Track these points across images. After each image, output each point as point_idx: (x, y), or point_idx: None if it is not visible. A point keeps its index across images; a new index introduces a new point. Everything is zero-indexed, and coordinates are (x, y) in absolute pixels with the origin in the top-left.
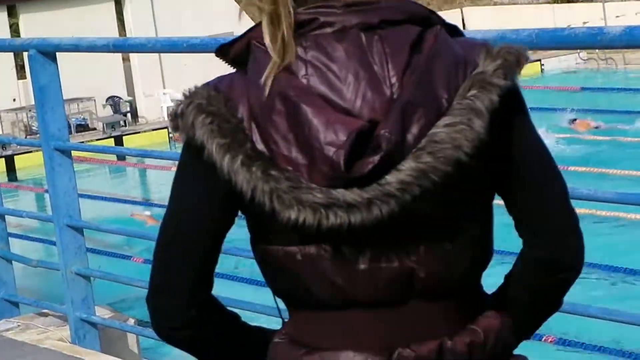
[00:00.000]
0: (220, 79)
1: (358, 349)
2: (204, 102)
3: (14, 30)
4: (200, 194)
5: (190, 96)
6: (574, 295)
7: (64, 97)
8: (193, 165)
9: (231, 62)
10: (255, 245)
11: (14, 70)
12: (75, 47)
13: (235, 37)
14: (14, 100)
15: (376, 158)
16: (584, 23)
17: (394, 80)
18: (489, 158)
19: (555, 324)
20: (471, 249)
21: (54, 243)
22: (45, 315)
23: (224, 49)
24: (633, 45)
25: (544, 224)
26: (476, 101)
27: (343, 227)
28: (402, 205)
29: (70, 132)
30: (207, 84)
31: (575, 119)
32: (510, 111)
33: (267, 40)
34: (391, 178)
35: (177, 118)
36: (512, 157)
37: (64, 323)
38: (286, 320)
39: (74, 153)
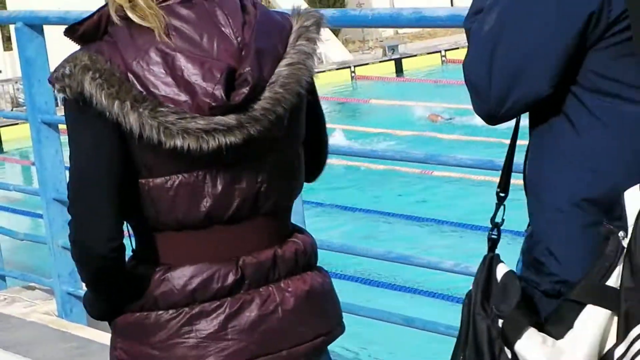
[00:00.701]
0: (89, 47)
1: (213, 260)
2: (88, 62)
3: (0, 2)
4: (96, 139)
5: (73, 60)
6: None
7: (51, 70)
8: (85, 117)
9: (78, 38)
10: (125, 183)
11: (0, 41)
12: (63, 20)
13: (84, 18)
14: (0, 72)
15: (247, 89)
16: None
17: (237, 34)
18: (309, 93)
19: None
20: (296, 176)
21: (41, 216)
22: (32, 288)
23: (74, 28)
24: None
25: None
26: (305, 47)
27: (221, 148)
28: (263, 127)
29: (57, 105)
30: (83, 50)
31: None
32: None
33: (145, 11)
34: (256, 105)
35: (63, 79)
36: (314, 97)
37: (50, 297)
38: (134, 247)
39: (60, 126)
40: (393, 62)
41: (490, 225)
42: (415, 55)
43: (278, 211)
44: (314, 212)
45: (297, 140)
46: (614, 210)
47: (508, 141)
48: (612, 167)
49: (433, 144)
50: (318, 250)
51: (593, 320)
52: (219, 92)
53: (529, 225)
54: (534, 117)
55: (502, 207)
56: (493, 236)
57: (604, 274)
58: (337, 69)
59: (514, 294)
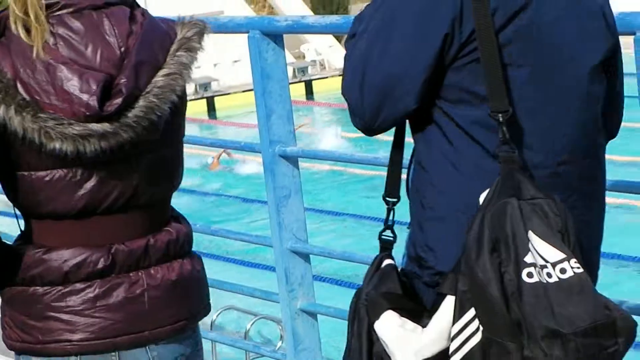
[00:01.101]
0: None
1: (86, 246)
2: None
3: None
4: None
5: None
6: None
7: None
8: None
9: None
10: (6, 174)
11: None
12: None
13: None
14: None
15: (119, 100)
16: None
17: (121, 44)
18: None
19: None
20: (173, 174)
21: None
22: None
23: None
24: (624, 32)
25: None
26: (183, 58)
27: (97, 152)
28: (136, 133)
29: None
30: None
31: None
32: None
33: (32, 19)
34: (129, 114)
35: None
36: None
37: None
38: (22, 229)
39: None
40: None
41: None
42: None
43: (154, 204)
44: (317, 219)
45: (174, 141)
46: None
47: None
48: (481, 172)
49: None
50: (322, 257)
51: (447, 308)
52: (94, 102)
53: (410, 222)
54: (413, 127)
55: (392, 211)
56: (384, 237)
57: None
58: (339, 75)
59: (387, 283)
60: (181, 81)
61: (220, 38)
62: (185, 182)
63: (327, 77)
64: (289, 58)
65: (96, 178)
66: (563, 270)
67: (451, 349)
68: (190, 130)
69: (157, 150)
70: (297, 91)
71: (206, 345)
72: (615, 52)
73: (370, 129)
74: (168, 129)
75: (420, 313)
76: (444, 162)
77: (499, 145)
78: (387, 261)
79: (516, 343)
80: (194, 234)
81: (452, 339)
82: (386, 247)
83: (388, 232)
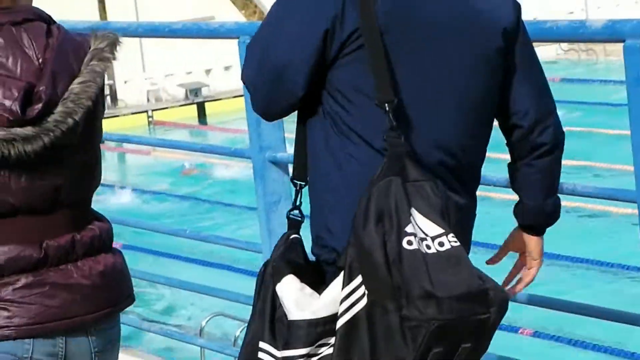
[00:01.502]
0: None
1: (20, 243)
2: None
3: None
4: None
5: None
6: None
7: None
8: None
9: None
10: None
11: None
12: None
13: None
14: None
15: (40, 105)
16: (570, 13)
17: (39, 55)
18: (99, 107)
19: (532, 319)
20: (94, 174)
21: None
22: None
23: None
24: (613, 39)
25: None
26: (96, 67)
27: (21, 155)
28: (56, 137)
29: None
30: None
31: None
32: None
33: None
34: (50, 119)
35: None
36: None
37: None
38: None
39: None
40: None
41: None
42: None
43: (78, 203)
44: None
45: (92, 144)
46: None
47: (502, 155)
48: (367, 165)
49: None
50: None
51: (341, 278)
52: (16, 107)
53: (310, 204)
54: (307, 115)
55: (299, 192)
56: (291, 216)
57: None
58: None
59: (291, 253)
60: (95, 88)
61: (212, 43)
62: (165, 186)
63: None
64: None
65: (23, 180)
66: (441, 244)
67: (339, 312)
68: (180, 135)
69: (77, 153)
70: None
71: (195, 351)
72: (510, 40)
73: (266, 113)
74: (86, 133)
75: (319, 285)
76: (334, 154)
77: (387, 131)
78: (293, 236)
79: (395, 304)
80: (189, 240)
81: (340, 303)
82: (294, 225)
83: (296, 212)
